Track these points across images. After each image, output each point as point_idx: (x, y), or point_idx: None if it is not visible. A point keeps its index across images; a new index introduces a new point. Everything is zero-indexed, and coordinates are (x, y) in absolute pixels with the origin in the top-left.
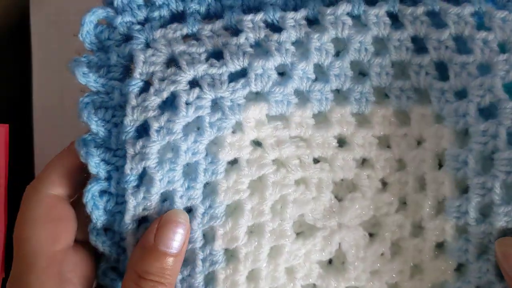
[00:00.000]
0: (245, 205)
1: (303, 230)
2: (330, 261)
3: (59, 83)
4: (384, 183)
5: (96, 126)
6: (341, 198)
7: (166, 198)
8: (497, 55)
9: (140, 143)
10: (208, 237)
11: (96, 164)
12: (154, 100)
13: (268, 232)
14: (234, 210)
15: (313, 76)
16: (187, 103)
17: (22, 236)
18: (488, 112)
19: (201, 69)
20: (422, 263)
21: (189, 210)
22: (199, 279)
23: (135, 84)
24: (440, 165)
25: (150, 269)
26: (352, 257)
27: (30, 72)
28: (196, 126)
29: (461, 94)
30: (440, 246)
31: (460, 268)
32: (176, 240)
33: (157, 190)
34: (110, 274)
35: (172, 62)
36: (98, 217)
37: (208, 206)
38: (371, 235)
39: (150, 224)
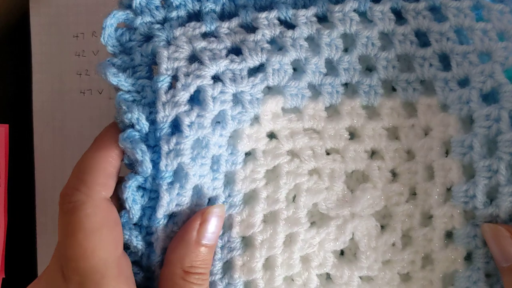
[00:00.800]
0: (261, 193)
1: (316, 220)
2: (342, 253)
3: (59, 83)
4: (394, 174)
5: (144, 122)
6: (353, 189)
7: (193, 192)
8: (496, 43)
9: (173, 139)
10: (226, 226)
11: (149, 161)
12: (184, 95)
13: (282, 219)
14: (250, 198)
15: (324, 70)
16: (213, 97)
17: (87, 248)
18: (490, 98)
19: (223, 64)
20: (432, 253)
21: (208, 201)
22: (218, 266)
23: (163, 80)
24: (447, 154)
25: (195, 263)
26: (364, 247)
27: (30, 72)
28: (215, 121)
29: (464, 83)
30: (449, 235)
31: (469, 257)
32: (215, 232)
33: (191, 186)
34: (134, 269)
35: (193, 58)
36: (136, 212)
37: (228, 195)
38: (382, 226)
39: (191, 221)
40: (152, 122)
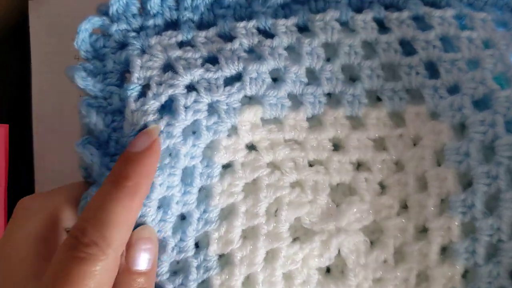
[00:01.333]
0: (239, 207)
1: (300, 235)
2: (328, 271)
3: (58, 83)
4: (383, 186)
5: (103, 127)
6: (338, 202)
7: (161, 205)
8: (483, 51)
9: None
10: (202, 243)
11: (100, 166)
12: (153, 104)
13: (263, 235)
14: (228, 214)
15: (305, 80)
16: (186, 107)
17: None
18: (481, 104)
19: (197, 73)
20: (427, 270)
21: (183, 217)
22: (193, 287)
23: (133, 88)
24: (439, 164)
25: None
26: (352, 264)
27: (30, 73)
28: (191, 130)
29: (453, 90)
30: (445, 250)
31: (467, 275)
32: (145, 258)
33: (157, 196)
34: None
35: (168, 68)
36: None
37: (203, 210)
38: (372, 242)
39: None
40: (114, 129)
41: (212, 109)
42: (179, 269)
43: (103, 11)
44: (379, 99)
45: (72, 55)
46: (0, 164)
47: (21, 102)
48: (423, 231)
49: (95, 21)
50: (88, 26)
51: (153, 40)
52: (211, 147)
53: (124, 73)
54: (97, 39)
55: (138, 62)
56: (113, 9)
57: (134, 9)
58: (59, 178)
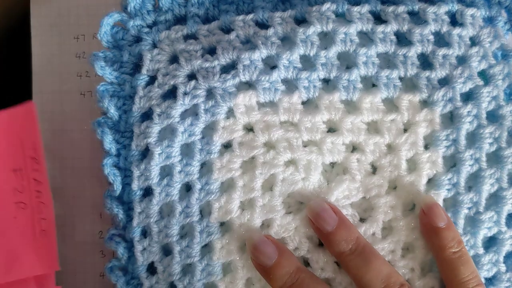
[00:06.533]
0: (238, 182)
1: (293, 210)
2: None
3: (59, 84)
4: (374, 168)
5: (114, 111)
6: (330, 181)
7: (166, 173)
8: (470, 48)
9: (144, 124)
10: (205, 212)
11: (109, 141)
12: (157, 92)
13: (258, 207)
14: (227, 187)
15: (299, 66)
16: (185, 93)
17: None
18: (468, 96)
19: (196, 64)
20: (414, 241)
21: (189, 189)
22: (196, 249)
23: (142, 78)
24: (426, 147)
25: None
26: None
27: (30, 73)
28: (194, 112)
29: (443, 81)
30: None
31: None
32: None
33: (156, 163)
34: (116, 238)
35: (175, 59)
36: (118, 185)
37: (205, 182)
38: (364, 219)
39: None
40: (125, 112)
41: (211, 94)
42: (185, 233)
43: (124, 7)
44: (373, 85)
45: (73, 55)
46: (35, 141)
47: (21, 102)
48: (411, 208)
49: (116, 17)
50: (110, 21)
51: (163, 35)
52: (212, 127)
53: (137, 64)
54: (117, 31)
55: (148, 56)
56: (130, 6)
57: (149, 5)
58: (59, 178)
